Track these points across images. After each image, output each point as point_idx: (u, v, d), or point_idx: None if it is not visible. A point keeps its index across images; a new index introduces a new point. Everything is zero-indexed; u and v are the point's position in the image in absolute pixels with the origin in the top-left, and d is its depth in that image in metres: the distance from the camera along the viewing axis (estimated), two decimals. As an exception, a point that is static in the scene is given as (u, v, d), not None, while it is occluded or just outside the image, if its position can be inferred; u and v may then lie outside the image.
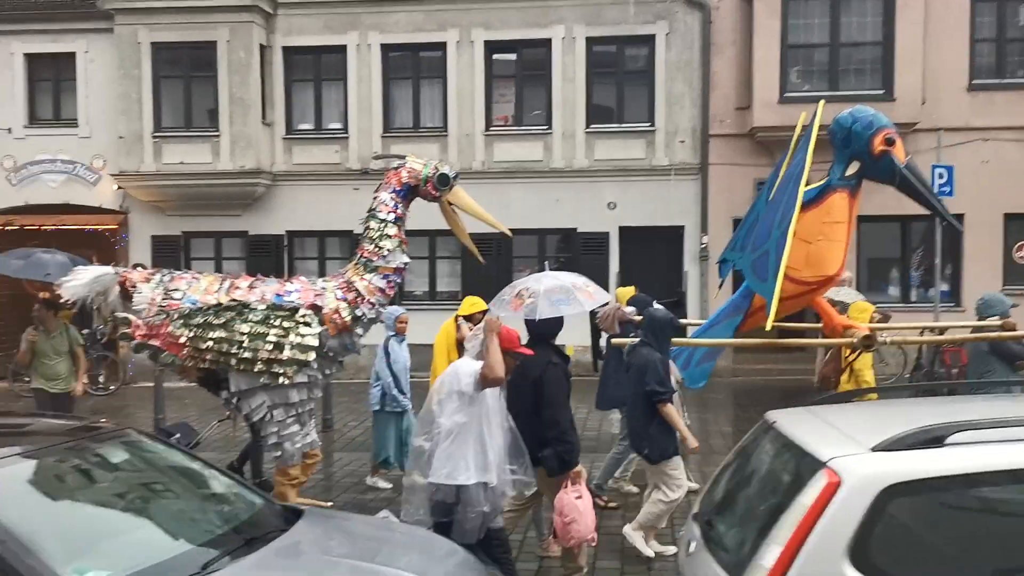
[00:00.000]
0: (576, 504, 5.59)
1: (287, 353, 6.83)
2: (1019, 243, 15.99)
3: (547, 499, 6.24)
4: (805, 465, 3.10)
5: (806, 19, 15.61)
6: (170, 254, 16.92)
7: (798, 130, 7.29)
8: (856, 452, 3.06)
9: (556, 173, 16.64)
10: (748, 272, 7.18)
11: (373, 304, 7.15)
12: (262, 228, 17.19)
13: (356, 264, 7.26)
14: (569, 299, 6.09)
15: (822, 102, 7.63)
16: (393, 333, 8.61)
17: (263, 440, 7.40)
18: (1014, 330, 6.97)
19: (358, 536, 4.32)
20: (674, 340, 6.86)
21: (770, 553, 2.91)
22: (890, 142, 6.56)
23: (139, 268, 8.22)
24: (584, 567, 6.05)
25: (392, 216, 7.24)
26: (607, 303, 7.34)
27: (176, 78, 16.79)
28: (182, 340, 6.90)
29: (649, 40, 16.47)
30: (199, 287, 7.13)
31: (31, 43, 17.38)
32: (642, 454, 6.68)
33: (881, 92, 15.25)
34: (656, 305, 7.62)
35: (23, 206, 17.37)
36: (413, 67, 17.21)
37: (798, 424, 3.60)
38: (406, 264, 7.33)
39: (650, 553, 6.64)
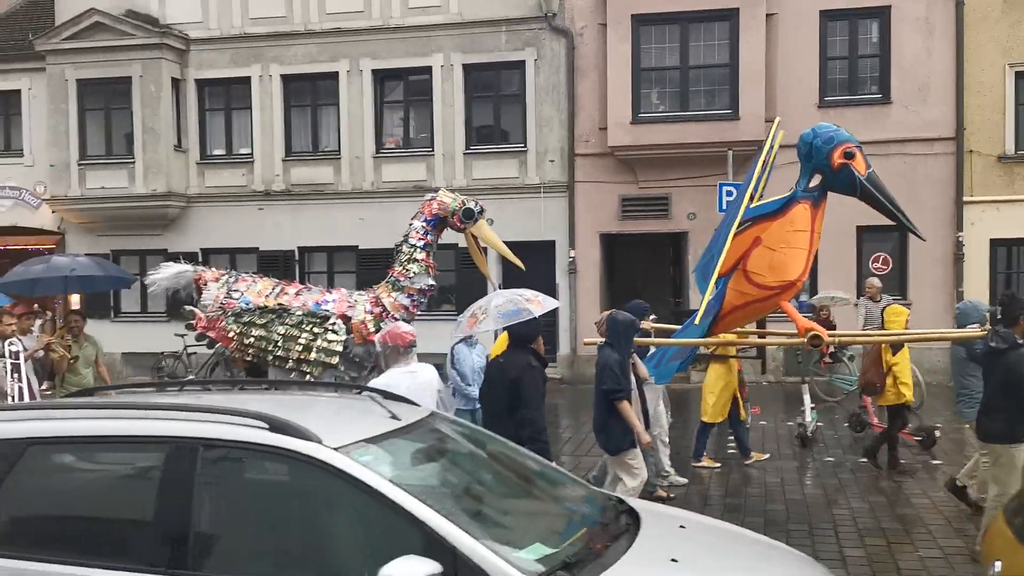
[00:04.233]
0: None
1: (314, 355, 7.87)
2: (875, 254, 16.38)
3: None
4: None
5: (657, 43, 16.35)
6: (101, 270, 18.68)
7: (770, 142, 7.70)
8: None
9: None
10: (699, 275, 7.78)
11: (397, 319, 7.73)
12: (179, 246, 18.74)
13: (386, 282, 8.20)
14: (519, 309, 7.10)
15: (777, 119, 7.96)
16: (461, 337, 8.67)
17: None
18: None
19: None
20: (637, 340, 7.40)
21: None
22: (849, 155, 6.84)
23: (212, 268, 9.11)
24: None
25: (422, 243, 8.16)
26: (557, 306, 8.28)
27: (98, 111, 18.59)
28: (231, 335, 8.09)
29: (520, 66, 17.46)
30: (255, 290, 8.25)
31: (-19, 82, 19.49)
32: (602, 445, 7.15)
33: (729, 112, 15.92)
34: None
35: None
36: (311, 95, 18.60)
37: None
38: (431, 286, 8.18)
39: None
